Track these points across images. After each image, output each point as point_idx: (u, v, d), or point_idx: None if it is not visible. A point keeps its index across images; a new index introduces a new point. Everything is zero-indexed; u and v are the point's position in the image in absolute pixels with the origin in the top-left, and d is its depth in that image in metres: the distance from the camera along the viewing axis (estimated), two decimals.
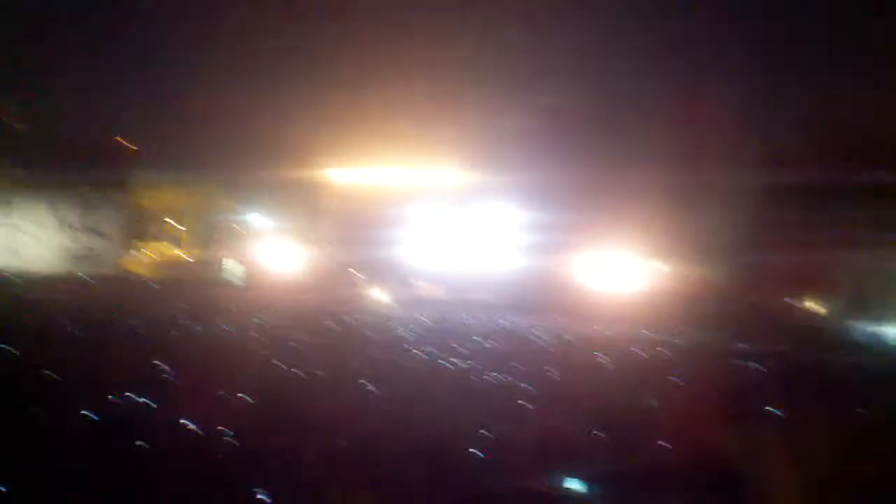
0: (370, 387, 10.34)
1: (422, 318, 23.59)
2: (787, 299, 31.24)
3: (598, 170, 32.55)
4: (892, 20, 28.36)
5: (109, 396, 8.47)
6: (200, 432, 7.39)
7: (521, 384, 11.44)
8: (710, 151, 32.49)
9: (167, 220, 46.72)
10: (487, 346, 16.87)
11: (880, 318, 26.89)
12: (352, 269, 39.68)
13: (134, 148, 39.90)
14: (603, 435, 8.15)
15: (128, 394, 8.56)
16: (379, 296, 34.09)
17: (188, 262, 43.76)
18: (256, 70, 36.24)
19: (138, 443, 6.86)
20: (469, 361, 13.68)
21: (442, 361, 13.66)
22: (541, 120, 35.71)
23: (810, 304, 30.86)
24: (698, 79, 33.09)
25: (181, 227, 46.43)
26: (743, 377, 14.59)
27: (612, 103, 34.15)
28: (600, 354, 16.07)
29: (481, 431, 7.99)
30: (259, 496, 5.98)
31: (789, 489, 6.24)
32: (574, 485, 3.84)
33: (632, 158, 32.85)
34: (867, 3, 29.06)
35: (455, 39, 33.78)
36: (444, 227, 38.96)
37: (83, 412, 7.72)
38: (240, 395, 9.01)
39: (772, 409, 10.11)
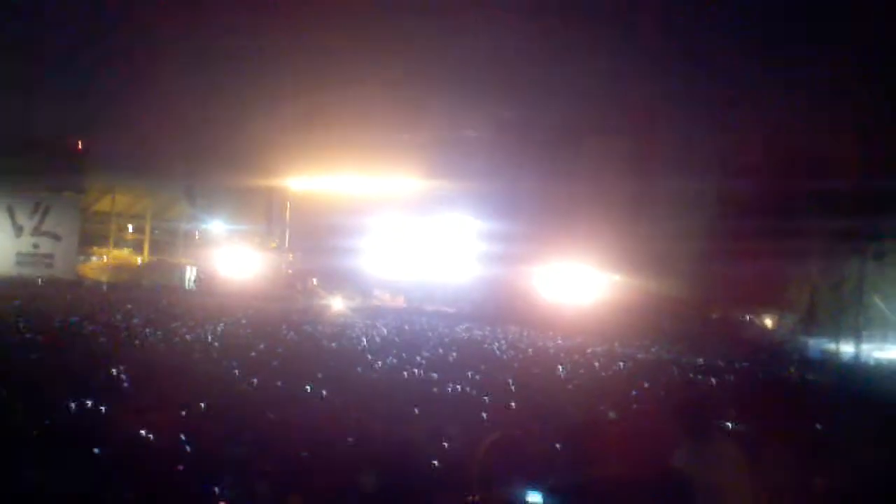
0: (328, 396, 10.25)
1: (381, 327, 23.50)
2: (744, 315, 31.62)
3: (559, 181, 32.74)
4: (851, 38, 28.84)
5: (61, 402, 8.30)
6: (154, 440, 7.26)
7: (481, 395, 11.41)
8: (671, 164, 32.86)
9: (126, 225, 46.24)
10: (448, 356, 16.83)
11: (836, 335, 27.27)
12: (312, 278, 39.51)
13: (92, 152, 39.38)
14: (562, 447, 8.14)
15: (81, 400, 8.39)
16: (339, 304, 33.93)
17: (146, 267, 43.30)
18: (219, 77, 36.03)
19: (95, 450, 6.72)
20: (429, 372, 13.62)
21: (401, 371, 13.60)
22: (503, 131, 35.89)
23: (767, 321, 31.25)
24: (660, 92, 33.45)
25: (140, 233, 45.96)
26: (700, 391, 14.69)
27: (573, 116, 34.39)
28: (560, 366, 16.12)
29: (441, 443, 7.94)
30: None
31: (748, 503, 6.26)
32: (533, 497, 3.81)
33: (593, 171, 33.10)
34: (825, 20, 29.54)
35: (418, 51, 33.85)
36: (404, 236, 38.96)
37: (35, 418, 7.56)
38: (195, 402, 8.87)
39: (728, 424, 10.16)
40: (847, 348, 26.82)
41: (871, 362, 26.12)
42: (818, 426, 10.82)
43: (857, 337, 27.16)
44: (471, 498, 4.23)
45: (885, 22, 28.22)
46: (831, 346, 26.93)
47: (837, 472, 8.16)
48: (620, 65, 33.76)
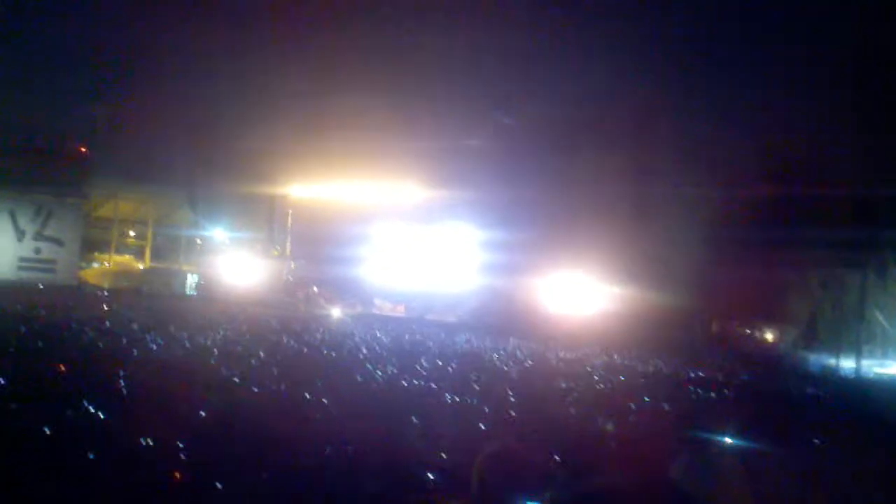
0: (327, 405, 10.25)
1: (381, 336, 23.49)
2: (745, 328, 31.60)
3: (561, 191, 32.75)
4: (846, 43, 28.89)
5: (63, 408, 8.30)
6: (154, 447, 7.27)
7: (480, 405, 11.41)
8: (672, 175, 32.87)
9: (128, 231, 46.26)
10: (447, 366, 16.82)
11: (836, 349, 27.26)
12: (313, 286, 39.51)
13: (95, 157, 39.42)
14: (560, 458, 8.14)
15: (82, 406, 8.40)
16: (339, 313, 33.94)
17: (148, 273, 43.30)
18: (222, 85, 36.08)
19: (91, 456, 6.73)
20: (428, 382, 13.62)
21: (401, 381, 13.59)
22: (506, 139, 35.92)
23: (768, 334, 31.23)
24: (661, 102, 33.49)
25: (142, 239, 45.96)
26: (700, 405, 14.69)
27: (574, 124, 34.40)
28: (559, 378, 16.10)
29: (440, 453, 7.94)
30: None
31: None
32: None
33: (594, 181, 33.10)
34: (818, 24, 29.59)
35: (417, 58, 33.91)
36: (406, 245, 38.96)
37: (36, 424, 7.55)
38: (195, 410, 8.88)
39: (727, 438, 10.16)
40: (848, 363, 26.78)
41: (872, 377, 26.10)
42: (817, 441, 10.82)
43: (858, 351, 27.13)
44: None
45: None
46: (832, 361, 26.90)
47: (836, 487, 8.16)
48: (623, 73, 33.81)
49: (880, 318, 28.84)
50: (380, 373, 14.44)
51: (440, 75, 33.84)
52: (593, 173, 33.29)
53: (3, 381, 9.51)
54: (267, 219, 43.52)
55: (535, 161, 34.22)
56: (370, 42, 34.55)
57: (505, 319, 32.13)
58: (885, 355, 28.30)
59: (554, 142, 34.66)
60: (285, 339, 19.88)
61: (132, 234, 46.72)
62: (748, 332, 31.88)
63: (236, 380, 11.83)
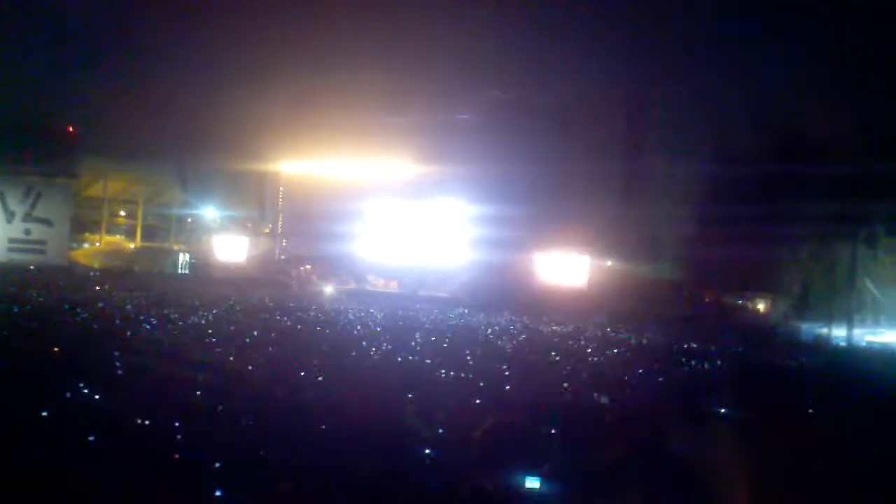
0: (322, 381, 10.26)
1: (375, 312, 23.51)
2: (737, 300, 31.71)
3: (552, 165, 32.68)
4: (844, 24, 28.83)
5: (58, 390, 8.28)
6: (152, 427, 7.27)
7: (476, 381, 11.42)
8: (663, 147, 32.86)
9: (118, 210, 46.07)
10: (441, 341, 16.85)
11: (828, 319, 27.42)
12: (305, 263, 39.46)
13: (84, 137, 39.17)
14: (556, 432, 8.16)
15: (77, 387, 8.38)
16: (332, 290, 33.93)
17: (139, 253, 43.19)
18: (211, 61, 35.78)
19: (90, 438, 6.72)
20: (423, 357, 13.64)
21: (395, 357, 13.61)
22: (496, 114, 35.79)
23: (760, 305, 31.35)
24: (653, 75, 33.44)
25: (132, 219, 45.80)
26: (694, 377, 14.76)
27: (566, 99, 34.29)
28: (554, 352, 16.14)
29: (437, 428, 7.96)
30: (215, 493, 5.90)
31: (742, 487, 6.30)
32: (530, 483, 3.83)
33: (585, 154, 33.05)
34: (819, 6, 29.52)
35: (409, 33, 33.68)
36: (398, 221, 38.89)
37: (31, 406, 7.54)
38: (191, 390, 8.87)
39: (721, 409, 10.22)
40: (839, 332, 26.96)
41: (864, 346, 26.28)
42: (811, 410, 10.88)
43: (850, 321, 27.31)
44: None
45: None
46: (824, 330, 27.08)
47: (831, 456, 8.20)
48: (615, 46, 33.68)
49: (871, 287, 29.01)
50: (374, 350, 14.46)
51: (432, 50, 33.62)
52: (585, 148, 33.23)
53: None
54: (258, 196, 43.35)
55: (527, 136, 34.10)
56: (362, 17, 34.31)
57: (498, 294, 32.15)
58: (876, 324, 28.50)
59: (546, 117, 34.54)
60: (279, 317, 19.88)
61: (122, 213, 46.54)
62: (740, 303, 32.00)
63: (231, 358, 11.83)
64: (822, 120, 29.28)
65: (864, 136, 28.44)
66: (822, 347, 24.79)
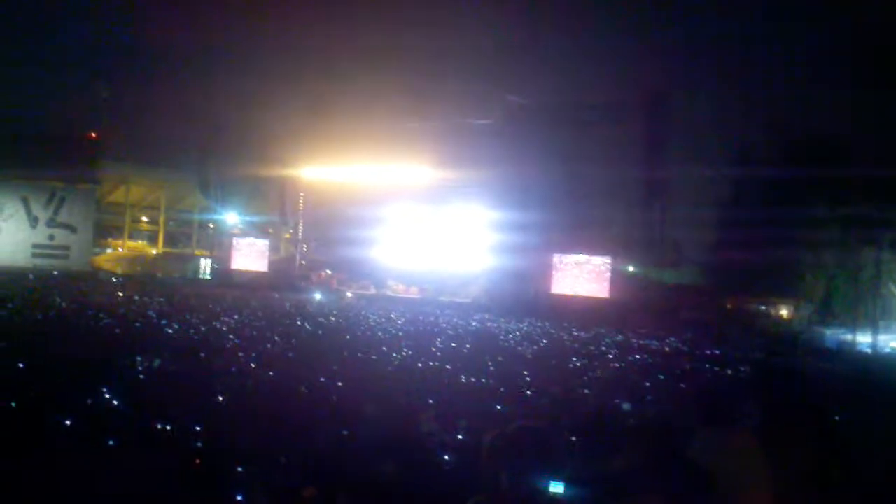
0: (343, 386, 10.24)
1: (396, 318, 23.50)
2: (760, 305, 31.51)
3: (574, 171, 32.64)
4: (855, 27, 28.67)
5: (80, 395, 8.31)
6: (174, 433, 7.28)
7: (496, 386, 11.37)
8: (686, 152, 32.76)
9: (140, 216, 46.41)
10: (462, 347, 16.81)
11: (852, 324, 27.18)
12: (326, 268, 39.57)
13: (107, 142, 39.53)
14: (577, 438, 8.11)
15: (100, 393, 8.40)
16: (352, 295, 33.98)
17: (161, 258, 43.47)
18: (233, 68, 36.08)
19: (111, 443, 6.74)
20: (444, 363, 13.60)
21: (416, 362, 13.58)
22: (518, 119, 35.79)
23: (783, 311, 31.14)
24: (675, 78, 33.42)
25: (154, 224, 46.10)
26: (716, 382, 14.63)
27: (587, 103, 34.25)
28: (575, 357, 16.08)
29: (456, 434, 7.92)
30: (236, 498, 5.89)
31: (765, 495, 6.22)
32: (556, 488, 3.79)
33: (607, 159, 33.00)
34: (829, 10, 29.38)
35: (429, 38, 33.81)
36: (419, 226, 38.91)
37: (52, 412, 7.57)
38: (212, 395, 8.88)
39: (745, 415, 10.12)
40: (863, 338, 26.71)
41: (889, 351, 26.02)
42: (835, 417, 10.75)
43: (874, 327, 27.05)
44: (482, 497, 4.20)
45: None
46: (848, 336, 26.83)
47: (854, 463, 8.11)
48: (638, 50, 33.66)
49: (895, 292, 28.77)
50: (395, 355, 14.43)
51: (453, 56, 33.73)
52: (606, 153, 33.17)
53: (21, 367, 9.54)
54: (279, 202, 43.54)
55: (547, 141, 34.07)
56: (382, 24, 34.48)
57: (519, 300, 32.07)
58: None
59: (566, 122, 34.50)
60: (300, 323, 19.91)
61: (145, 219, 46.90)
62: (763, 309, 31.79)
63: (252, 364, 11.84)
64: (848, 125, 29.12)
65: (891, 141, 28.23)
66: (846, 354, 24.56)
